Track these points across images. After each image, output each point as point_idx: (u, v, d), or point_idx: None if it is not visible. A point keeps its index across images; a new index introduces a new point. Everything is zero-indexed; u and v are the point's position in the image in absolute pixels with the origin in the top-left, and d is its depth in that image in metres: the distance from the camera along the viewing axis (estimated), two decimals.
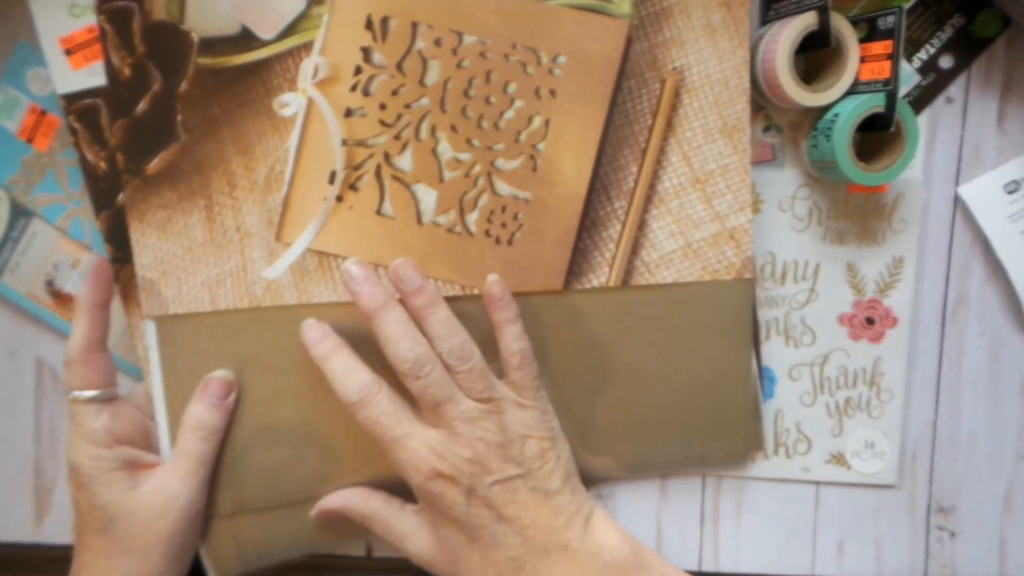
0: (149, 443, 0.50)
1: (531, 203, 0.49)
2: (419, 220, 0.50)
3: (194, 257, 0.49)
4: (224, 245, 0.49)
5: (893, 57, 0.46)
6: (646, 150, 0.49)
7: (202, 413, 0.48)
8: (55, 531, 0.54)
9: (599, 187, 0.49)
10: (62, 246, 0.52)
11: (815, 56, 0.50)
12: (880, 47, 0.47)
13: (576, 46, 0.48)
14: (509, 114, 0.49)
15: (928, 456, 0.54)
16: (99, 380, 0.47)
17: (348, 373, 0.46)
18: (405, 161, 0.49)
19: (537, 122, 0.49)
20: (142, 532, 0.46)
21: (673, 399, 0.51)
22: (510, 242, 0.49)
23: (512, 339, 0.48)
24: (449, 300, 0.49)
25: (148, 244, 0.49)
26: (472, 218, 0.49)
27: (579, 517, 0.47)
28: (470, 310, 0.49)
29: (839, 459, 0.54)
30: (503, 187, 0.49)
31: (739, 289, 0.50)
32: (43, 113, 0.51)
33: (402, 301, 0.47)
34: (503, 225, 0.50)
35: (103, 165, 0.49)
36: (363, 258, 0.49)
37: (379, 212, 0.49)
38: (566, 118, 0.49)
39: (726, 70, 0.49)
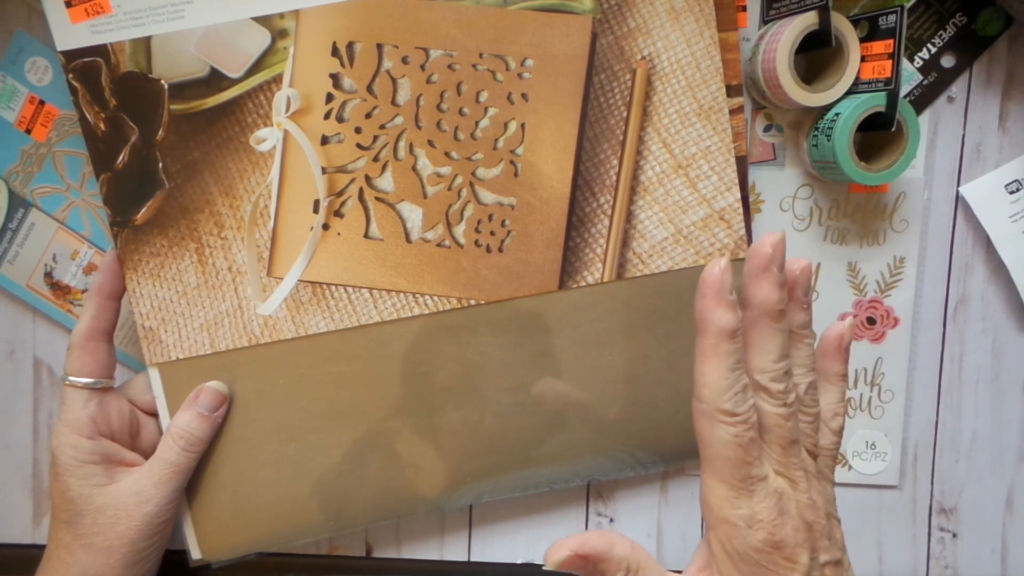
0: (135, 440, 0.50)
1: (517, 208, 0.49)
2: (408, 238, 0.50)
3: (190, 301, 0.50)
4: (218, 286, 0.50)
5: (894, 56, 0.46)
6: (625, 142, 0.49)
7: (188, 422, 0.48)
8: None
9: (582, 184, 0.49)
10: (61, 237, 0.52)
11: (815, 56, 0.50)
12: (881, 46, 0.47)
13: (542, 47, 0.48)
14: (484, 123, 0.49)
15: (929, 456, 0.54)
16: (95, 369, 0.48)
17: (736, 378, 0.36)
18: (386, 182, 0.49)
19: (513, 127, 0.49)
20: (105, 531, 0.46)
21: (682, 388, 0.50)
22: (500, 249, 0.49)
23: (838, 399, 0.40)
24: (445, 314, 0.49)
25: (144, 293, 0.50)
26: (460, 230, 0.49)
27: None
28: (466, 324, 0.49)
29: (840, 459, 0.53)
30: (487, 196, 0.49)
31: (736, 270, 0.50)
32: (42, 103, 0.51)
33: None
34: (491, 233, 0.49)
35: (102, 126, 0.49)
36: (356, 282, 0.50)
37: (367, 235, 0.50)
38: (541, 120, 0.49)
39: (696, 52, 0.49)
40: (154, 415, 0.51)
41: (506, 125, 0.49)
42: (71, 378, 0.47)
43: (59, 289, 0.53)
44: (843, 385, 0.40)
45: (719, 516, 0.36)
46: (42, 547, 0.51)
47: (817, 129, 0.49)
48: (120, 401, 0.49)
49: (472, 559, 0.55)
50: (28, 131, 0.52)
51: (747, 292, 0.38)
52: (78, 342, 0.48)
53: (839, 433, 0.40)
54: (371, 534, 0.54)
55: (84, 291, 0.53)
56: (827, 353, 0.40)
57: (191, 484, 0.50)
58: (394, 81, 0.49)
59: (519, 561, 0.55)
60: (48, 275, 0.53)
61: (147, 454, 0.49)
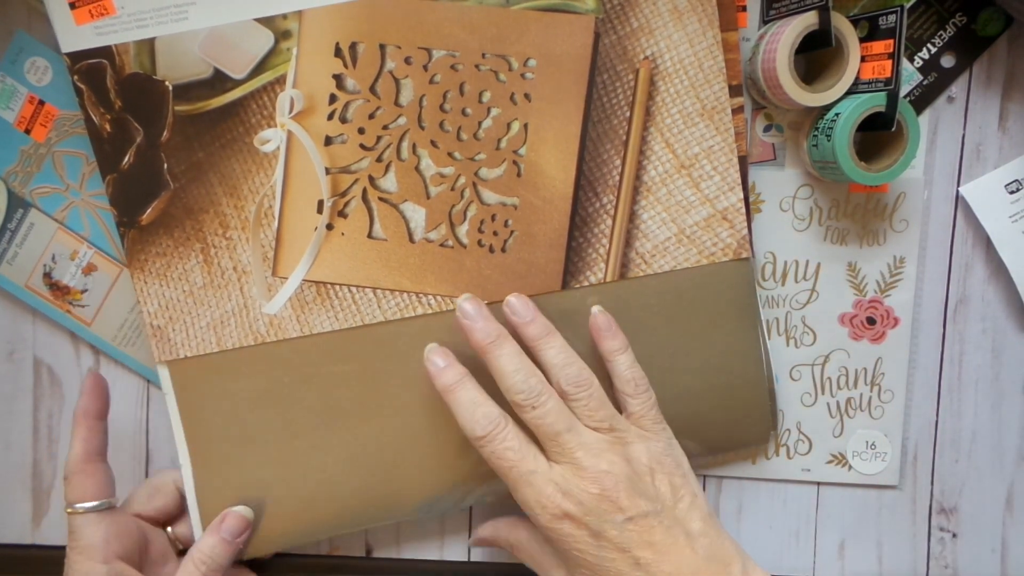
0: (145, 555, 0.49)
1: (520, 208, 0.49)
2: (411, 238, 0.50)
3: (196, 300, 0.50)
4: (223, 285, 0.50)
5: (894, 56, 0.46)
6: (628, 142, 0.49)
7: (212, 547, 0.48)
8: (53, 532, 0.54)
9: (585, 184, 0.49)
10: (60, 237, 0.52)
11: (815, 56, 0.50)
12: (881, 46, 0.47)
13: (545, 47, 0.48)
14: (487, 123, 0.49)
15: (929, 456, 0.54)
16: (98, 491, 0.47)
17: (474, 407, 0.44)
18: (390, 182, 0.50)
19: (516, 127, 0.49)
20: None
21: (685, 387, 0.50)
22: (503, 249, 0.50)
23: (624, 368, 0.47)
24: (448, 314, 0.49)
25: (152, 292, 0.50)
26: (463, 230, 0.50)
27: (735, 567, 0.43)
28: None
29: (840, 459, 0.53)
30: (490, 196, 0.49)
31: (738, 269, 0.50)
32: (41, 103, 0.51)
33: (515, 335, 0.46)
34: (494, 233, 0.50)
35: (108, 127, 0.49)
36: (360, 282, 0.50)
37: (371, 235, 0.50)
38: (544, 120, 0.49)
39: (698, 52, 0.49)
40: (160, 525, 0.51)
41: (509, 125, 0.49)
42: (77, 505, 0.46)
43: (58, 289, 0.53)
44: (623, 357, 0.47)
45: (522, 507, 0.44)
46: (42, 547, 0.51)
47: (817, 129, 0.49)
48: (126, 518, 0.48)
49: (472, 559, 0.55)
50: (28, 131, 0.52)
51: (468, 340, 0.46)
52: (76, 467, 0.47)
53: (638, 394, 0.46)
54: (371, 534, 0.55)
55: (83, 291, 0.53)
56: (596, 338, 0.48)
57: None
58: (397, 82, 0.49)
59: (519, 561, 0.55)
60: (47, 275, 0.53)
61: (156, 565, 0.49)
